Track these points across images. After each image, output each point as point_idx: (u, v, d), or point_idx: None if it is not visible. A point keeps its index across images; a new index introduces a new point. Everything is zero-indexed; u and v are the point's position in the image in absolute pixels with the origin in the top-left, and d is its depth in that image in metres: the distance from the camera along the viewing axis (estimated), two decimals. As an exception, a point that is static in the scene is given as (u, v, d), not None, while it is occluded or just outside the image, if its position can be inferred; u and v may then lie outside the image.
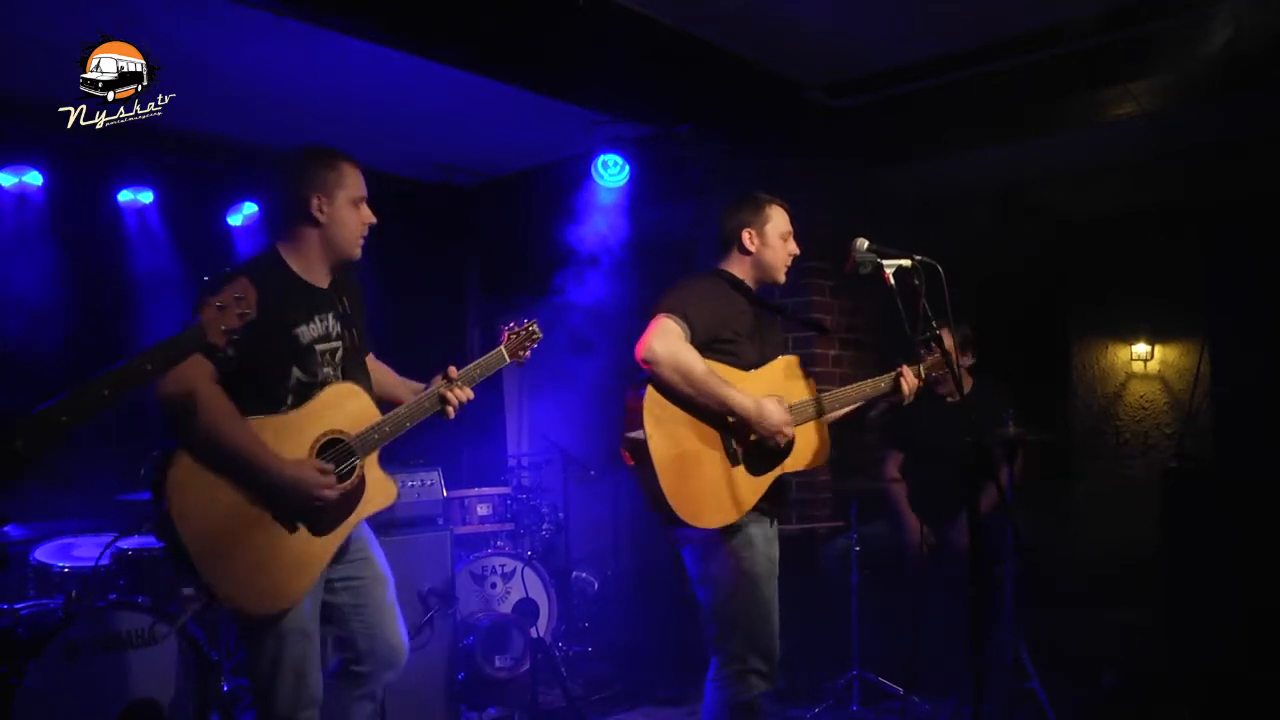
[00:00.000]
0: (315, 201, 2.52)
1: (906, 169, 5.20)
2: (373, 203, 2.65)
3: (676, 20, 4.02)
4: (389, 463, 2.72)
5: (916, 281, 2.75)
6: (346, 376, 2.60)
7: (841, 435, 3.15)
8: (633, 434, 2.78)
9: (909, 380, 3.10)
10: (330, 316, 2.59)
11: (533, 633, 4.41)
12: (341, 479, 2.45)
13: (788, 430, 2.84)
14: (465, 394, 2.67)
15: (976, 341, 4.51)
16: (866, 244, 2.81)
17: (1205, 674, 4.00)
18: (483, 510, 5.11)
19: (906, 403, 3.14)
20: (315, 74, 4.40)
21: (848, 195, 5.10)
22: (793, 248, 3.10)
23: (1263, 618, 3.94)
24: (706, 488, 2.78)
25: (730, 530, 2.82)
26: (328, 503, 2.40)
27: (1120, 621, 4.68)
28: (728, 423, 2.81)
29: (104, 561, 3.67)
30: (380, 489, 2.58)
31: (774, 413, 2.82)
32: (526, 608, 4.84)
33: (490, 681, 4.55)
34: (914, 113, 4.67)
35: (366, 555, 2.70)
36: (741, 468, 2.84)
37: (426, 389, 2.70)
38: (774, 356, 3.04)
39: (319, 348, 2.54)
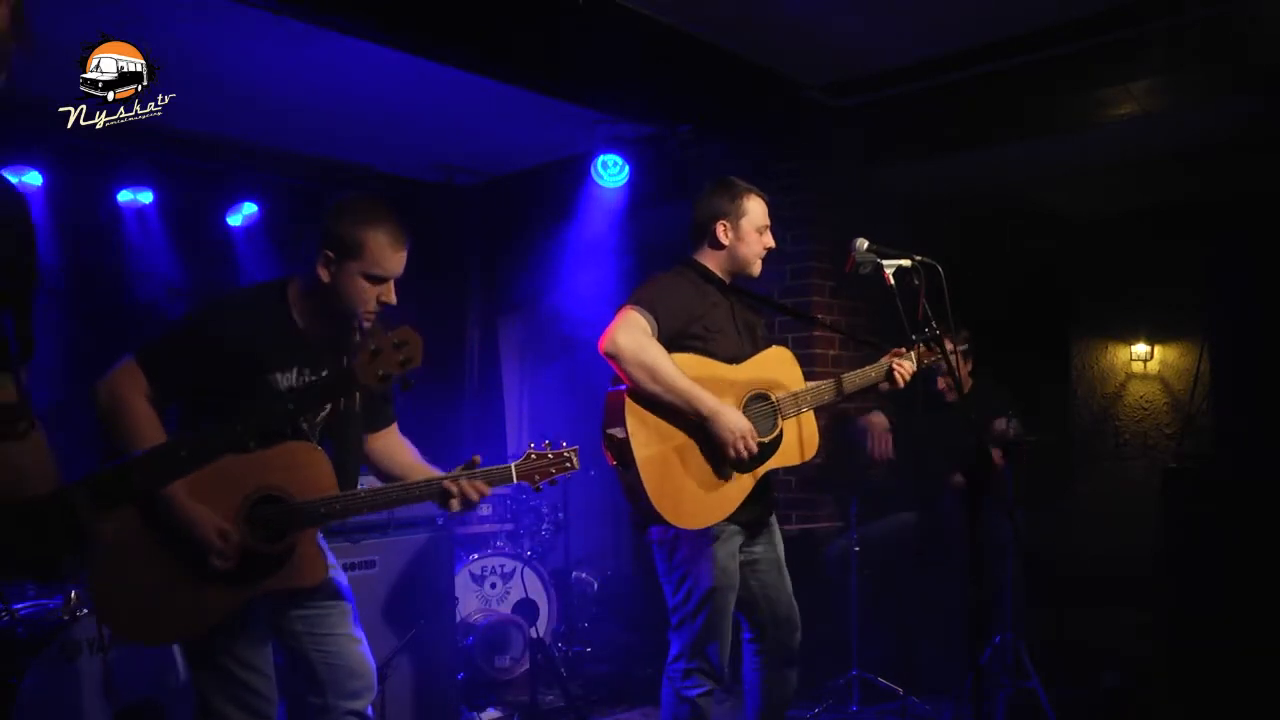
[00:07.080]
0: (327, 257, 2.32)
1: (906, 169, 5.20)
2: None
3: (676, 20, 4.02)
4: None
5: (916, 281, 2.75)
6: (333, 440, 2.39)
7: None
8: (613, 430, 2.70)
9: (903, 366, 2.99)
10: (322, 374, 2.39)
11: (532, 633, 4.41)
12: (269, 540, 2.23)
13: (749, 441, 2.68)
14: (480, 488, 2.38)
15: (973, 342, 4.50)
16: (866, 244, 2.81)
17: (1205, 674, 4.00)
18: (483, 510, 5.11)
19: (902, 386, 3.01)
20: (315, 74, 4.40)
21: (848, 195, 5.09)
22: (768, 241, 2.96)
23: (1262, 617, 3.94)
24: (690, 487, 2.69)
25: (702, 533, 2.76)
26: (216, 566, 2.16)
27: (1120, 621, 4.68)
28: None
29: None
30: (308, 566, 2.29)
31: (733, 420, 2.68)
32: (526, 608, 4.84)
33: (490, 681, 4.55)
34: (914, 113, 4.67)
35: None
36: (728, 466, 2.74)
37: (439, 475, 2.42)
38: (758, 349, 2.96)
39: None
